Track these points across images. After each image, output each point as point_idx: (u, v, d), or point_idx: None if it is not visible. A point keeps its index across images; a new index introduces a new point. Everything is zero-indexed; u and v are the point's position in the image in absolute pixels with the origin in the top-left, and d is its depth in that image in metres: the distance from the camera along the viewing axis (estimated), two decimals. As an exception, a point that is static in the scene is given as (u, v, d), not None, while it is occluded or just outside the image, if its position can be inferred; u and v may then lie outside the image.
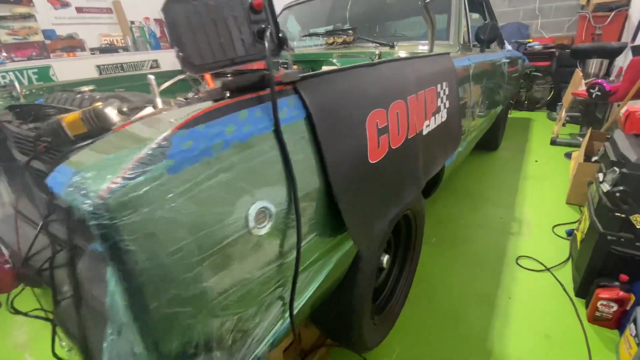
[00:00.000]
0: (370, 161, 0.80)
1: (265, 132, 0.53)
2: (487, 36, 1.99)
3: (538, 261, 2.08)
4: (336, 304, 1.11)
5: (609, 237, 1.62)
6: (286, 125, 0.57)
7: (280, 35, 0.66)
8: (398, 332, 1.62)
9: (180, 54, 0.58)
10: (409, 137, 1.00)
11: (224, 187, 0.47)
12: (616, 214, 1.58)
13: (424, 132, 1.12)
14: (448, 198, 2.86)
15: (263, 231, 0.52)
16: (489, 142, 3.61)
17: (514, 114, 5.34)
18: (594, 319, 1.63)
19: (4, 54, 2.61)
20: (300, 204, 0.61)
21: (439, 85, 1.21)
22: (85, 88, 1.27)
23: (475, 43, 2.00)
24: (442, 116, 1.25)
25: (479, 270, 2.01)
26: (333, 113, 0.66)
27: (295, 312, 0.66)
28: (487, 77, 2.06)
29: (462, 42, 1.84)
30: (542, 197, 2.82)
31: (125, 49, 4.34)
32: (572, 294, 1.83)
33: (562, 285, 1.89)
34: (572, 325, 1.65)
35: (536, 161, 3.49)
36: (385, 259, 1.37)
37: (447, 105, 1.31)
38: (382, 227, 0.90)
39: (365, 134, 0.77)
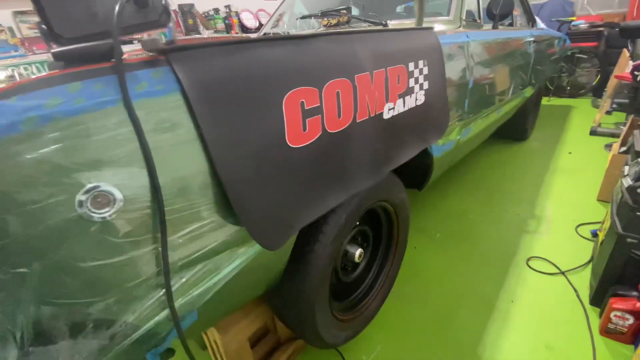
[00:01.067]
0: (291, 145, 0.72)
1: (109, 107, 0.47)
2: (500, 11, 1.77)
3: (552, 263, 1.86)
4: (287, 296, 1.05)
5: (629, 240, 1.40)
6: (145, 101, 0.51)
7: (163, 2, 0.59)
8: (382, 330, 1.52)
9: (44, 26, 0.53)
10: (358, 121, 0.89)
11: (40, 166, 0.42)
12: (637, 213, 1.35)
13: (386, 116, 1.00)
14: (461, 191, 2.66)
15: (105, 217, 0.47)
16: (515, 131, 3.30)
17: (553, 101, 4.85)
18: (606, 332, 1.42)
19: (26, 47, 2.78)
20: (175, 188, 0.55)
21: (411, 64, 1.07)
22: None
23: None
24: (416, 99, 1.12)
25: (483, 270, 1.84)
26: (223, 89, 0.58)
27: (182, 302, 0.61)
28: (498, 57, 1.85)
29: (465, 18, 1.65)
30: (570, 192, 2.53)
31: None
32: (586, 302, 1.62)
33: (576, 291, 1.68)
34: (581, 336, 1.46)
35: (570, 153, 3.14)
36: (357, 252, 1.28)
37: (426, 87, 1.17)
38: (311, 218, 0.81)
39: (282, 115, 0.69)
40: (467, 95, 1.53)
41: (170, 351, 0.75)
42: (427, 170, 1.53)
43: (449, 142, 1.54)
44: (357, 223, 1.31)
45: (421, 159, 1.46)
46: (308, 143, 0.76)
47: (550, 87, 4.78)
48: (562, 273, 1.79)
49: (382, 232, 1.42)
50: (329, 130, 0.80)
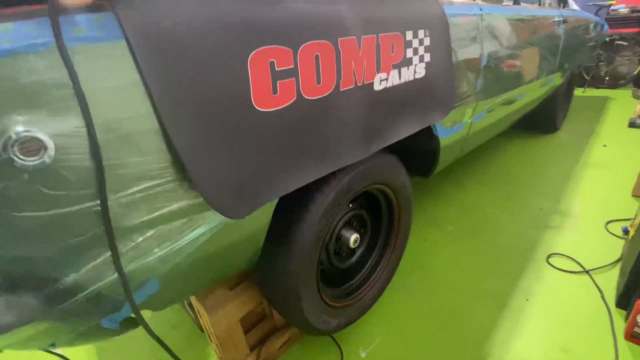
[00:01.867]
0: (259, 107, 0.67)
1: (41, 50, 0.45)
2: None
3: (575, 261, 1.72)
4: (271, 277, 1.01)
5: (662, 235, 1.26)
6: (83, 46, 0.48)
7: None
8: (383, 322, 1.45)
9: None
10: (343, 89, 0.83)
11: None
12: (671, 204, 1.21)
13: (377, 87, 0.93)
14: (478, 183, 2.52)
15: (35, 164, 0.44)
16: (543, 122, 3.10)
17: (589, 93, 4.53)
18: (632, 336, 1.29)
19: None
20: (117, 142, 0.51)
21: (409, 33, 1.00)
22: None
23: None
24: (415, 71, 1.04)
25: (496, 266, 1.73)
26: (175, 41, 0.55)
27: (135, 268, 0.58)
28: (519, 36, 1.72)
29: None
30: (602, 187, 2.34)
31: None
32: (612, 303, 1.48)
33: (600, 291, 1.54)
34: (602, 340, 1.33)
35: (604, 146, 2.91)
36: (352, 238, 1.22)
37: (428, 60, 1.09)
38: (285, 189, 0.76)
39: (247, 74, 0.64)
40: (479, 74, 1.42)
41: (133, 321, 0.73)
42: (434, 154, 1.44)
43: (458, 125, 1.44)
44: (351, 205, 1.25)
45: (426, 141, 1.38)
46: (280, 108, 0.71)
47: (587, 77, 4.46)
48: (587, 272, 1.65)
49: (382, 218, 1.35)
50: (306, 97, 0.75)
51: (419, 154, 1.48)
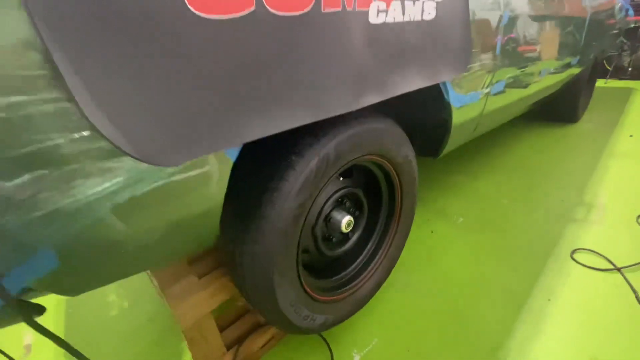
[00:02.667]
0: (196, 11, 0.47)
1: None
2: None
3: (604, 257, 1.49)
4: (238, 260, 0.81)
5: None
6: None
7: None
8: (381, 321, 1.26)
9: None
10: (326, 11, 0.62)
11: None
12: None
13: (374, 19, 0.73)
14: (493, 173, 2.29)
15: None
16: (563, 111, 2.84)
17: (610, 84, 4.23)
18: (679, 346, 1.06)
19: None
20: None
21: (416, -40, 0.79)
22: None
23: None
24: (423, 9, 0.83)
25: (512, 261, 1.51)
26: None
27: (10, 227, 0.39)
28: (544, 1, 1.49)
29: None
30: (631, 178, 2.09)
31: None
32: (649, 305, 1.25)
33: (635, 291, 1.31)
34: (639, 347, 1.11)
35: (631, 136, 2.65)
36: (344, 220, 1.01)
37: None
38: (242, 137, 0.56)
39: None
40: (499, 33, 1.20)
41: (39, 307, 0.54)
42: (444, 127, 1.23)
43: (474, 93, 1.23)
44: (342, 179, 1.04)
45: (436, 109, 1.16)
46: (231, 17, 0.51)
47: (608, 68, 4.16)
48: (618, 269, 1.42)
49: (381, 200, 1.14)
50: (270, 9, 0.55)
51: (427, 127, 1.27)
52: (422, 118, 1.22)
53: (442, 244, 1.67)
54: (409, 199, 1.16)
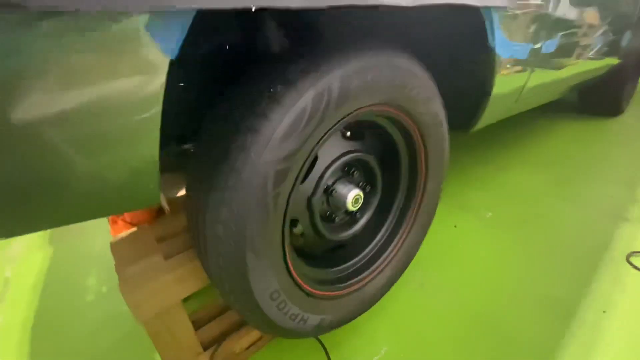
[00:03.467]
0: None
1: None
2: None
3: (673, 263, 1.20)
4: (202, 234, 0.58)
5: None
6: None
7: None
8: (393, 326, 1.03)
9: None
10: None
11: None
12: None
13: None
14: (525, 166, 2.01)
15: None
16: (605, 103, 2.51)
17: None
18: None
19: None
20: None
21: None
22: None
23: None
24: None
25: (557, 265, 1.24)
26: None
27: None
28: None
29: None
30: (690, 176, 1.77)
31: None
32: None
33: None
34: None
35: (685, 132, 2.31)
36: (351, 195, 0.77)
37: None
38: None
39: None
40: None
41: None
42: (484, 87, 0.97)
43: (523, 45, 0.96)
44: (349, 135, 0.80)
45: (476, 60, 0.91)
46: None
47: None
48: (689, 278, 1.13)
49: (400, 173, 0.89)
50: None
51: (462, 86, 1.01)
52: (458, 72, 0.97)
53: (467, 241, 1.42)
54: (435, 175, 0.91)
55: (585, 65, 1.61)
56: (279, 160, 0.54)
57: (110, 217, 1.05)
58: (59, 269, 1.53)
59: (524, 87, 1.17)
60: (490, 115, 1.13)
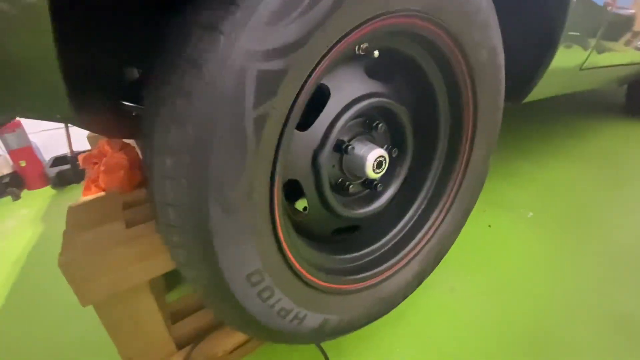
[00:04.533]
0: None
1: None
2: None
3: None
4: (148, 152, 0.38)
5: None
6: None
7: None
8: (417, 335, 0.79)
9: None
10: None
11: None
12: None
13: None
14: (568, 163, 1.75)
15: None
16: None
17: None
18: None
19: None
20: None
21: None
22: None
23: None
24: None
25: (617, 275, 0.99)
26: None
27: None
28: None
29: None
30: None
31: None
32: None
33: None
34: None
35: None
36: (372, 155, 0.56)
37: None
38: None
39: None
40: None
41: None
42: (549, 42, 0.73)
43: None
44: (375, 55, 0.58)
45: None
46: None
47: None
48: None
49: (438, 131, 0.66)
50: None
51: (522, 37, 0.78)
52: (524, 12, 0.74)
53: (504, 242, 1.18)
54: (484, 140, 0.68)
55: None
56: (264, 55, 0.33)
57: (85, 183, 0.88)
58: (45, 247, 1.38)
59: (588, 55, 0.92)
60: (548, 81, 0.89)
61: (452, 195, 0.71)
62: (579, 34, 0.85)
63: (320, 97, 0.53)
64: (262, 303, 0.45)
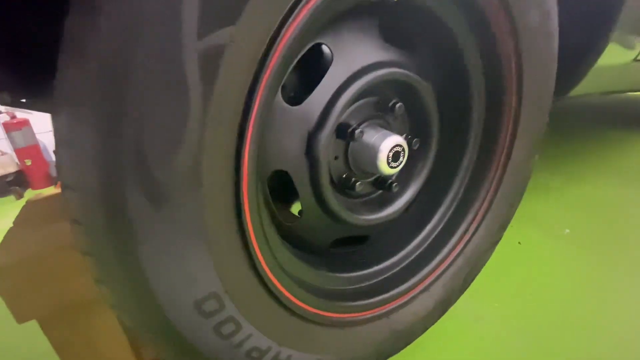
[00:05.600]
0: None
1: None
2: None
3: None
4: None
5: None
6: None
7: None
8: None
9: None
10: None
11: None
12: None
13: None
14: (605, 178, 1.57)
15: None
16: None
17: None
18: None
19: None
20: None
21: None
22: None
23: None
24: None
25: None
26: None
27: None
28: None
29: None
30: None
31: None
32: None
33: None
34: None
35: None
36: (389, 143, 0.41)
37: None
38: None
39: None
40: None
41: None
42: (604, 21, 0.59)
43: None
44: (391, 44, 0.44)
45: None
46: None
47: None
48: None
49: (470, 119, 0.51)
50: None
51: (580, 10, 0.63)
52: None
53: (537, 262, 1.01)
54: (529, 133, 0.52)
55: None
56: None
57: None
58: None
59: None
60: (599, 72, 0.74)
61: (486, 202, 0.55)
62: (638, 18, 0.70)
63: (319, 63, 0.40)
64: (222, 341, 0.30)
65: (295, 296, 0.37)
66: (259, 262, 0.32)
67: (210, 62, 0.22)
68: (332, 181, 0.46)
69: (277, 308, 0.35)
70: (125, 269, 0.24)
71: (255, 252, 0.31)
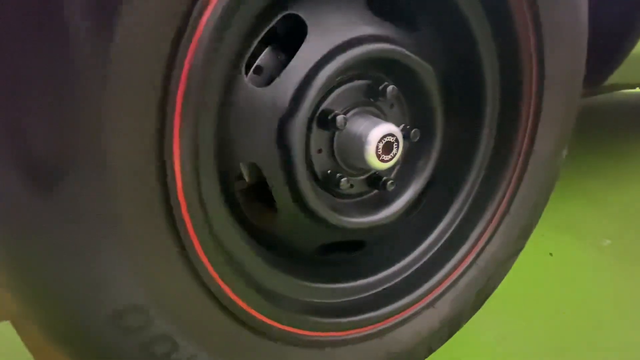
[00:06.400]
0: None
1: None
2: None
3: None
4: None
5: None
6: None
7: None
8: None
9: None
10: None
11: None
12: None
13: None
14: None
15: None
16: None
17: None
18: None
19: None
20: None
21: None
22: None
23: None
24: None
25: None
26: None
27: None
28: None
29: None
30: None
31: None
32: None
33: None
34: None
35: None
36: (378, 132, 0.35)
37: None
38: None
39: None
40: None
41: None
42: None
43: None
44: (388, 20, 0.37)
45: None
46: None
47: None
48: None
49: (483, 108, 0.43)
50: None
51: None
52: None
53: (571, 276, 0.91)
54: (553, 126, 0.43)
55: None
56: None
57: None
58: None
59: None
60: (635, 62, 0.63)
61: (503, 204, 0.46)
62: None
63: (292, 39, 0.34)
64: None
65: (258, 310, 0.30)
66: (204, 269, 0.26)
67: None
68: (316, 178, 0.40)
69: (231, 325, 0.28)
70: (12, 269, 0.19)
71: (196, 256, 0.25)
